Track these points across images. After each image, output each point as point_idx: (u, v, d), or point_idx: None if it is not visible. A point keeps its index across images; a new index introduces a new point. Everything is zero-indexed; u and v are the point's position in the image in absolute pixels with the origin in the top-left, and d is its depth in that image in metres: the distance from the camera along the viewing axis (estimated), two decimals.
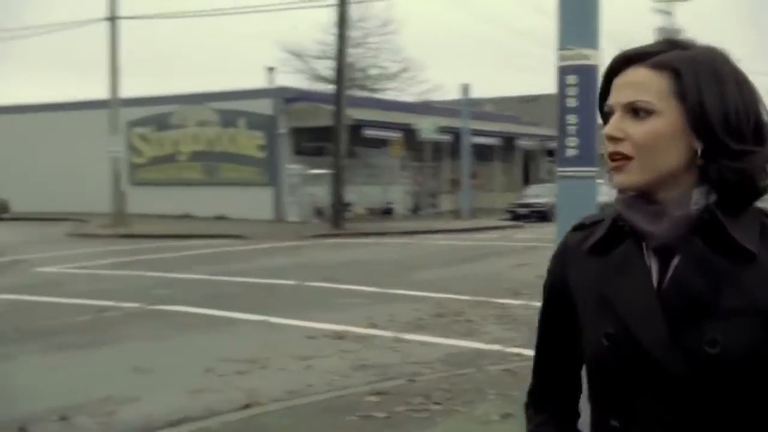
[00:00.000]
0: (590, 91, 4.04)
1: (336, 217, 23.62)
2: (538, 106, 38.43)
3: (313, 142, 28.36)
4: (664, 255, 1.21)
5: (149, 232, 22.36)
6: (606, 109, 1.25)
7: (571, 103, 4.13)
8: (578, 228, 1.34)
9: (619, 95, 1.22)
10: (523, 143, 36.11)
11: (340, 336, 7.85)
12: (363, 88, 38.87)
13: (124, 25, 27.23)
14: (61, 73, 76.33)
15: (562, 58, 4.20)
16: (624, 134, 1.20)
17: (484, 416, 5.15)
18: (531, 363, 1.44)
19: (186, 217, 28.29)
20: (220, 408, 5.54)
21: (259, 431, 5.05)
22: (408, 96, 37.33)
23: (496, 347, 7.23)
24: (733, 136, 1.18)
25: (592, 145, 4.17)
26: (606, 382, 1.24)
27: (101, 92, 26.83)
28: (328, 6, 24.89)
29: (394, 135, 28.17)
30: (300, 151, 28.64)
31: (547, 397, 1.40)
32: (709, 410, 1.16)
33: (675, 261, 1.20)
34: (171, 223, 25.53)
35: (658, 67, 1.20)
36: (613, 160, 1.21)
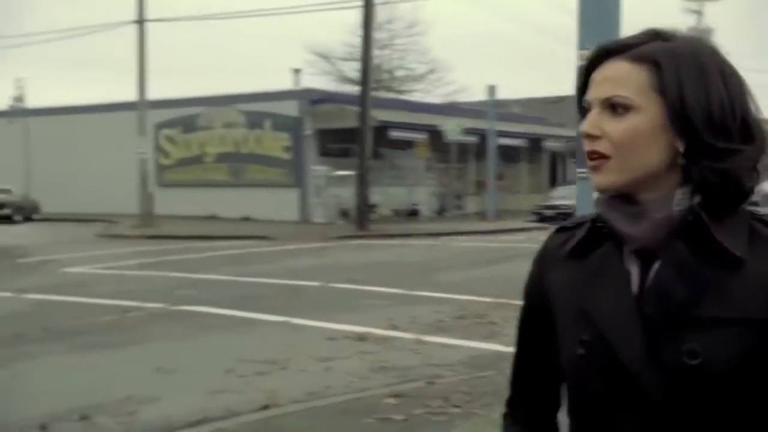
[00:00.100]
0: None
1: (361, 218, 23.63)
2: (564, 107, 38.09)
3: (338, 144, 28.43)
4: (645, 259, 1.13)
5: (176, 233, 22.54)
6: (584, 105, 1.17)
7: None
8: (560, 230, 1.27)
9: (596, 90, 1.14)
10: (549, 145, 35.89)
11: (361, 337, 7.84)
12: (390, 89, 38.92)
13: (151, 28, 27.52)
14: (90, 75, 77.29)
15: (581, 58, 4.15)
16: (601, 132, 1.13)
17: None
18: None
19: (212, 218, 28.50)
20: (240, 409, 5.55)
21: None
22: (435, 97, 37.36)
23: None
24: (716, 133, 1.09)
25: None
26: (581, 395, 1.17)
27: (130, 94, 27.16)
28: (354, 7, 24.93)
29: (420, 136, 28.15)
30: (325, 153, 28.72)
31: (525, 408, 1.32)
32: (691, 428, 1.08)
33: (656, 266, 1.12)
34: (197, 224, 25.72)
35: (638, 59, 1.12)
36: (591, 159, 1.14)
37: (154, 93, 27.19)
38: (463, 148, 30.44)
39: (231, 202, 28.69)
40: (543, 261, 1.27)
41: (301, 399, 5.77)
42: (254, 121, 29.55)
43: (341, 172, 27.14)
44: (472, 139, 29.63)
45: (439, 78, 40.31)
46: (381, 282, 11.91)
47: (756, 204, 1.30)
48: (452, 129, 28.05)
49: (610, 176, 1.13)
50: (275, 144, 29.16)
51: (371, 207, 24.74)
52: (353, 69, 31.63)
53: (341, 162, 27.69)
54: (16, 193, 30.74)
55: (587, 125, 1.14)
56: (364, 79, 23.87)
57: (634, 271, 1.14)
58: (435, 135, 27.97)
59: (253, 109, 29.48)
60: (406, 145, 28.60)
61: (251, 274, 13.15)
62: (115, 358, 7.29)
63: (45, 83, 74.15)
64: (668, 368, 1.07)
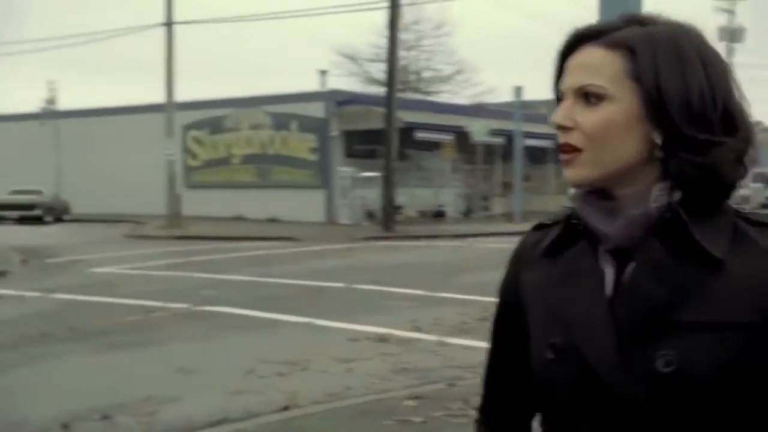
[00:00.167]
0: None
1: (387, 219, 23.62)
2: None
3: (364, 145, 28.45)
4: (621, 259, 1.06)
5: (203, 233, 22.71)
6: (558, 94, 1.10)
7: None
8: (537, 227, 1.21)
9: (569, 79, 1.07)
10: None
11: (382, 339, 7.81)
12: (417, 90, 38.93)
13: (179, 30, 27.75)
14: (119, 77, 78.22)
15: None
16: (573, 123, 1.05)
17: None
18: None
19: (238, 219, 28.66)
20: (260, 410, 5.55)
21: None
22: (462, 98, 37.30)
23: None
24: (696, 124, 1.02)
25: None
26: (552, 403, 1.10)
27: (158, 96, 27.42)
28: (381, 8, 24.92)
29: (446, 137, 28.08)
30: (351, 154, 28.75)
31: (498, 414, 1.25)
32: None
33: (631, 266, 1.05)
34: (224, 225, 25.88)
35: (612, 46, 1.05)
36: (563, 152, 1.07)
37: (182, 95, 27.47)
38: (489, 149, 30.32)
39: (257, 204, 28.83)
40: (518, 260, 1.21)
41: (322, 400, 5.76)
42: (281, 122, 29.67)
43: (367, 174, 27.14)
44: (499, 140, 29.50)
45: (466, 79, 40.28)
46: (406, 283, 11.87)
47: None
48: (479, 130, 27.95)
49: (583, 170, 1.06)
50: (301, 145, 29.25)
51: (397, 208, 24.71)
52: (380, 70, 31.71)
53: (367, 163, 27.70)
54: (47, 194, 31.15)
55: (558, 116, 1.07)
56: (390, 81, 23.88)
57: (609, 271, 1.07)
58: (461, 136, 27.88)
59: (279, 110, 29.61)
60: (433, 146, 28.54)
61: (275, 275, 13.18)
62: (137, 358, 7.33)
63: (75, 85, 75.21)
64: (641, 376, 1.00)
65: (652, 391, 1.00)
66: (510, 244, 1.19)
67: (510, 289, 1.21)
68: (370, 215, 26.88)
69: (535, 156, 32.56)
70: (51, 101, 36.32)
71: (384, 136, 23.58)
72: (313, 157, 28.94)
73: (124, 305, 10.22)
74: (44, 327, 8.77)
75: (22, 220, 29.32)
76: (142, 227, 25.91)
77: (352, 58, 38.78)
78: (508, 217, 28.59)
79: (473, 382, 6.10)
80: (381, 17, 29.55)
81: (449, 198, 30.08)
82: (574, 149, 1.06)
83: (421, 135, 27.58)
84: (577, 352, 1.04)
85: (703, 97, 1.02)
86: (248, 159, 30.59)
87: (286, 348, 7.54)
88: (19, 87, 77.21)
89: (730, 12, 40.21)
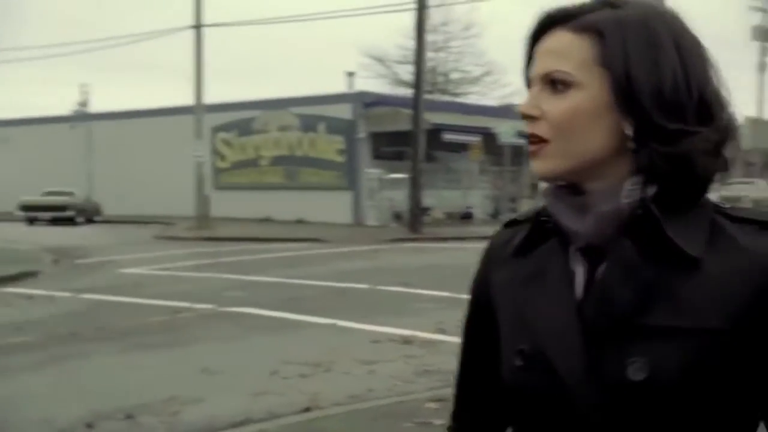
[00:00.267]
0: None
1: (414, 221, 23.60)
2: None
3: (392, 147, 28.45)
4: (592, 259, 0.99)
5: (231, 235, 22.86)
6: (527, 82, 1.03)
7: None
8: (508, 225, 1.14)
9: (537, 65, 1.01)
10: None
11: (407, 341, 7.80)
12: (445, 92, 38.87)
13: (208, 33, 27.99)
14: (149, 79, 79.03)
15: None
16: (540, 112, 0.99)
17: None
18: None
19: (266, 220, 28.81)
20: (282, 411, 5.57)
21: None
22: (490, 100, 37.12)
23: None
24: (668, 113, 0.95)
25: None
26: (521, 411, 1.05)
27: (187, 98, 27.66)
28: (409, 10, 24.91)
29: (474, 139, 27.99)
30: (379, 156, 28.78)
31: (471, 423, 1.19)
32: None
33: (603, 267, 0.98)
34: (252, 226, 26.02)
35: (580, 29, 0.98)
36: (530, 143, 1.00)
37: (211, 97, 27.68)
38: (517, 150, 30.12)
39: (285, 205, 28.96)
40: (488, 259, 1.14)
41: (343, 402, 5.77)
42: (308, 124, 29.78)
43: (395, 175, 27.15)
44: (527, 141, 29.34)
45: (494, 80, 40.14)
46: (432, 285, 11.84)
47: None
48: (506, 132, 27.81)
49: (549, 162, 0.99)
50: (329, 147, 29.34)
51: (424, 210, 24.68)
52: (408, 72, 31.65)
53: (395, 165, 27.71)
54: (79, 195, 31.58)
55: (524, 105, 1.01)
56: (418, 82, 23.86)
57: (580, 271, 1.00)
58: (489, 138, 27.78)
59: (307, 112, 29.73)
60: (460, 147, 28.47)
61: (301, 276, 13.23)
62: (162, 359, 7.40)
63: (106, 88, 76.13)
64: (610, 384, 0.95)
65: (621, 401, 0.95)
66: None
67: (481, 288, 1.14)
68: (397, 217, 26.88)
69: None
70: (83, 104, 36.81)
71: (411, 138, 23.57)
72: (340, 159, 29.01)
73: (152, 306, 10.33)
74: (73, 327, 8.89)
75: (55, 221, 29.78)
76: (172, 228, 26.15)
77: (379, 59, 38.87)
78: None
79: None
80: (409, 19, 29.50)
81: (477, 200, 29.98)
82: (540, 140, 1.00)
83: (448, 136, 27.53)
84: (546, 360, 0.98)
85: (676, 84, 0.96)
86: (276, 161, 30.75)
87: (310, 349, 7.56)
88: (49, 90, 78.39)
89: (765, 11, 39.63)
